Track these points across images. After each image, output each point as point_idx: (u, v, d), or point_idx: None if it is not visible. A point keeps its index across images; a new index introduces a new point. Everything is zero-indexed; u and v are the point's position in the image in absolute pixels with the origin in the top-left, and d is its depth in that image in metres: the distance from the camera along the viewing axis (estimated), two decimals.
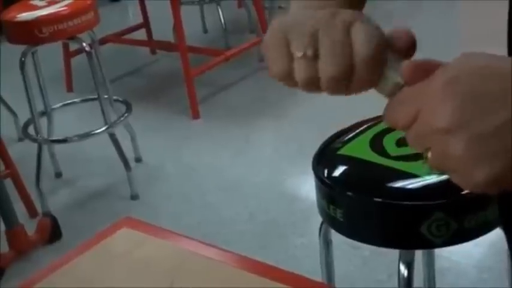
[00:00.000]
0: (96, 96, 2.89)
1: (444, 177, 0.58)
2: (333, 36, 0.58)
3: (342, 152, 1.39)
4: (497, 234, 1.34)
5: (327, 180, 1.31)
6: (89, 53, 2.82)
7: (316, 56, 0.58)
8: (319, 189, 1.34)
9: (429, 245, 1.25)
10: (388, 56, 0.58)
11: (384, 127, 1.39)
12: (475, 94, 0.50)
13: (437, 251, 1.83)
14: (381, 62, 0.58)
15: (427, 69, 0.55)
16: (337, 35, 0.58)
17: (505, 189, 0.51)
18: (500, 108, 0.49)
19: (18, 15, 2.71)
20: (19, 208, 2.70)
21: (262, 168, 3.00)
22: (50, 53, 3.51)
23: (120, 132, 3.00)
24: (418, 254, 1.57)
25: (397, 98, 0.56)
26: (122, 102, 3.16)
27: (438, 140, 0.51)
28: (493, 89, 0.50)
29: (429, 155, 0.53)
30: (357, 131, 1.44)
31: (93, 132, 2.90)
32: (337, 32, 0.58)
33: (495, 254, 2.16)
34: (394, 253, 1.33)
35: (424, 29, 4.22)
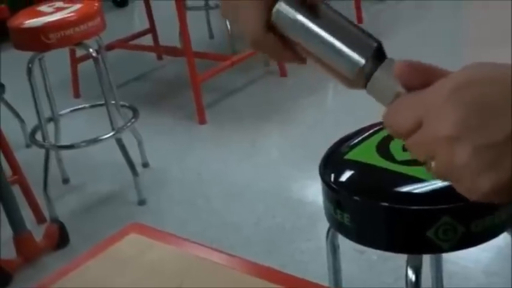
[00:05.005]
0: (103, 102, 2.89)
1: None
2: None
3: (348, 156, 1.39)
4: (504, 239, 1.34)
5: (333, 185, 1.31)
6: (95, 59, 2.83)
7: None
8: (326, 194, 1.33)
9: (436, 249, 1.25)
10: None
11: None
12: (482, 103, 0.50)
13: (445, 256, 1.82)
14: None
15: (421, 71, 0.54)
16: None
17: (510, 199, 0.51)
18: (507, 117, 0.49)
19: (25, 22, 2.72)
20: (27, 214, 2.71)
21: (269, 173, 3.00)
22: (57, 59, 3.52)
23: (127, 138, 3.00)
24: (426, 258, 1.57)
25: (397, 104, 0.55)
26: (128, 107, 3.17)
27: (443, 148, 0.51)
28: (500, 98, 0.50)
29: (433, 163, 0.53)
30: (364, 135, 1.44)
31: (100, 138, 2.91)
32: None
33: (503, 259, 2.16)
34: (402, 258, 1.33)
35: (432, 29, 4.22)
